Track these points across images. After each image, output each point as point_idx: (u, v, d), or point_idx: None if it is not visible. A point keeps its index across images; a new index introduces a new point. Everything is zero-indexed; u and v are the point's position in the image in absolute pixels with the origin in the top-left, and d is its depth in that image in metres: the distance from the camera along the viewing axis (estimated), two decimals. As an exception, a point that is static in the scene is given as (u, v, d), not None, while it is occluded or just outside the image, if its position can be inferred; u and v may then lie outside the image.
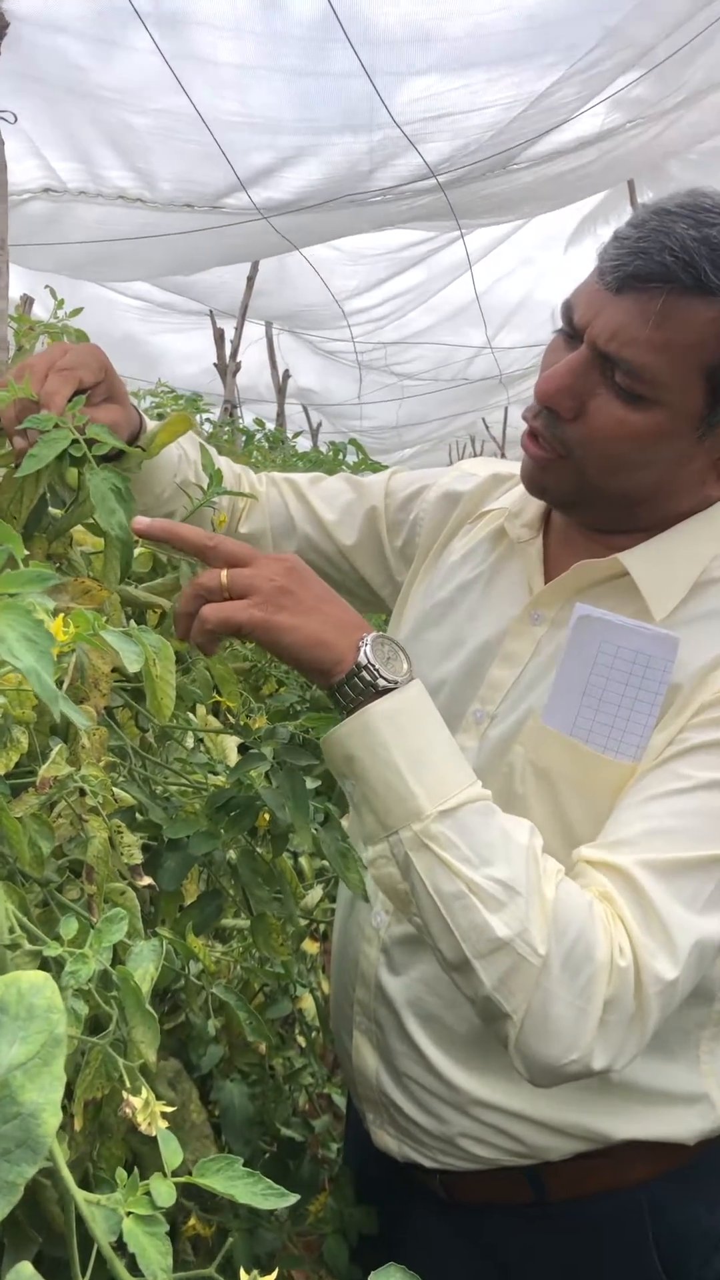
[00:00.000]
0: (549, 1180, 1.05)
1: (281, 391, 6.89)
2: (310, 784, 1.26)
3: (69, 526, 1.02)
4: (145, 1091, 0.67)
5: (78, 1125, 0.72)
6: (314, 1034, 1.50)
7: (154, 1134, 0.65)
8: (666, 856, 0.89)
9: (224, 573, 0.87)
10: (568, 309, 1.00)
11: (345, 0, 2.34)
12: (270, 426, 5.74)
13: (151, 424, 1.15)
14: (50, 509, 1.04)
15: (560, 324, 1.02)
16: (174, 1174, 0.60)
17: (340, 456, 5.29)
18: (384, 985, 1.14)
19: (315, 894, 1.35)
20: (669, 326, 0.91)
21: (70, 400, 0.93)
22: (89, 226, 3.75)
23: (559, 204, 4.51)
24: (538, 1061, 0.86)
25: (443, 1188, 1.11)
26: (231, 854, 1.05)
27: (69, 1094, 0.74)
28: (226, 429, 5.02)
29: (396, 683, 0.86)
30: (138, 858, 0.79)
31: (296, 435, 5.79)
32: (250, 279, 5.53)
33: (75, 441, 0.90)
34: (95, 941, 0.66)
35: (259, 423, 5.38)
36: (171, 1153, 0.61)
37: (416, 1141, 1.11)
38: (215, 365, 5.63)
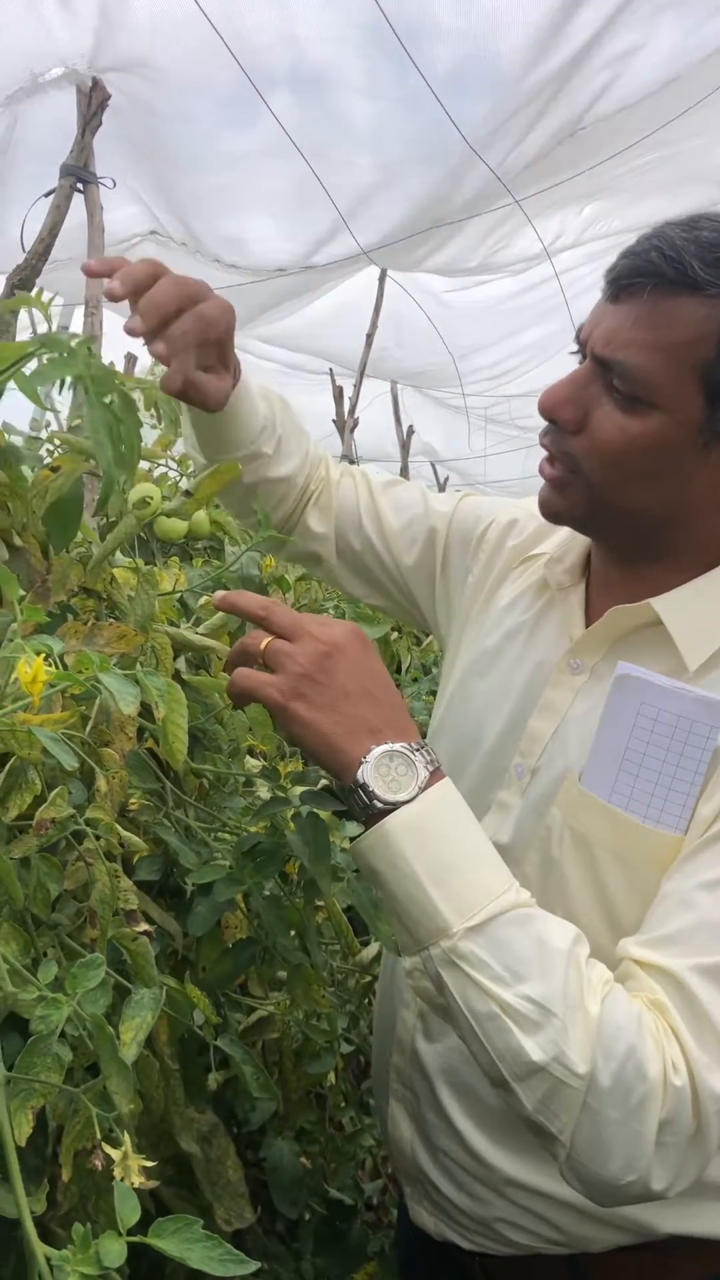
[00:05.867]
0: (591, 1273, 0.99)
1: (405, 448, 6.92)
2: (353, 829, 1.23)
3: (111, 550, 1.02)
4: (125, 1143, 0.65)
5: (65, 1176, 0.71)
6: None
7: (133, 1185, 0.64)
8: None
9: (265, 641, 0.85)
10: (578, 333, 0.98)
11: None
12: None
13: (240, 388, 1.12)
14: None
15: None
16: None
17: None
18: (419, 1052, 1.09)
19: (371, 950, 1.32)
20: (658, 324, 0.88)
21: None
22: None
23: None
24: (592, 1182, 0.80)
25: (482, 1272, 1.05)
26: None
27: (58, 1143, 0.73)
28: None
29: (396, 804, 0.80)
30: (133, 903, 0.78)
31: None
32: (369, 335, 5.59)
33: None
34: (70, 986, 0.65)
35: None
36: (129, 1210, 0.59)
37: (453, 1221, 1.06)
38: (334, 421, 5.70)
